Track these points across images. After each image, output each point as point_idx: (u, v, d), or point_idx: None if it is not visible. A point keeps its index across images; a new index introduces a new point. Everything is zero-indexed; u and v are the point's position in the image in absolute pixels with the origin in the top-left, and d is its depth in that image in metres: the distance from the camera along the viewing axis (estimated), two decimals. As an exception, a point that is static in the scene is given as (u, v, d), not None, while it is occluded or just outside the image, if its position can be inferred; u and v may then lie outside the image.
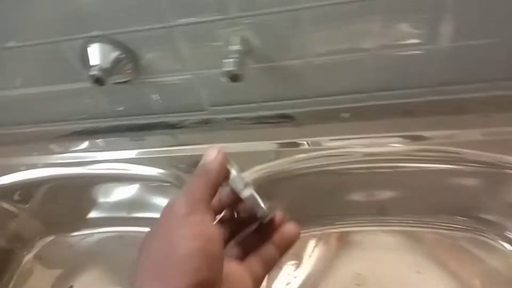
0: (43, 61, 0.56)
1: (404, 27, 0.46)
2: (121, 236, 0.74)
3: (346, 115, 0.57)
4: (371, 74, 0.53)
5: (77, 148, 0.66)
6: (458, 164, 0.52)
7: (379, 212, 0.63)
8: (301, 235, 0.32)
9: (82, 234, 0.76)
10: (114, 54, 0.52)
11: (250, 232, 0.32)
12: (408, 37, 0.47)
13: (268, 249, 0.31)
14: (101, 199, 0.71)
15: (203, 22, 0.48)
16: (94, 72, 0.51)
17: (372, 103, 0.56)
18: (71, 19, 0.50)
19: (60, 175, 0.66)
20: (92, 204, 0.72)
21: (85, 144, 0.67)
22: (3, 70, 0.58)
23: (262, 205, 0.30)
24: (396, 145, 0.54)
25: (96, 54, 0.52)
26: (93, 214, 0.74)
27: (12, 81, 0.60)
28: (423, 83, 0.53)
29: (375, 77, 0.53)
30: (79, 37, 0.52)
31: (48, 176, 0.66)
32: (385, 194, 0.60)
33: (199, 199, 0.27)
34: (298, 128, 0.58)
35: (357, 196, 0.62)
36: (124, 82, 0.56)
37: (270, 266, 0.31)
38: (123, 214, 0.73)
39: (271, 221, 0.31)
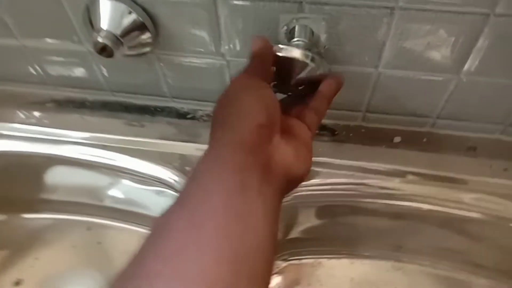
0: (35, 7, 0.42)
1: None
2: (89, 227, 0.62)
3: (398, 139, 0.48)
4: (442, 99, 0.43)
5: (53, 121, 0.53)
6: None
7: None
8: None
9: (40, 218, 0.63)
10: (130, 18, 0.39)
11: (300, 91, 0.37)
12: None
13: (317, 99, 0.36)
14: (71, 183, 0.58)
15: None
16: (100, 39, 0.38)
17: (431, 130, 0.47)
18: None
19: (23, 152, 0.52)
20: (59, 187, 0.59)
21: (64, 118, 0.53)
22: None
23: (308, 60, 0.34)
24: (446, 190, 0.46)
25: (105, 15, 0.39)
26: (56, 197, 0.62)
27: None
28: (497, 118, 0.45)
29: (447, 103, 0.44)
30: (86, -15, 0.38)
31: (6, 150, 0.52)
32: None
33: (257, 73, 0.32)
34: (338, 146, 0.48)
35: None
36: (137, 55, 0.43)
37: (322, 114, 0.35)
38: (93, 202, 0.61)
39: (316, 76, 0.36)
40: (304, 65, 0.35)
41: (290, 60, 0.34)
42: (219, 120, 0.29)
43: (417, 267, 0.56)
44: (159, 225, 0.23)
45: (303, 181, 0.31)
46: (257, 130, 0.27)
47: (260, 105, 0.28)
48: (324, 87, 0.36)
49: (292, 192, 0.46)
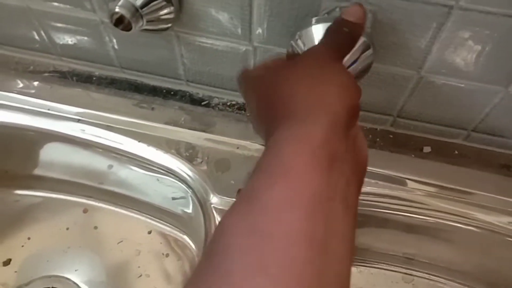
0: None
1: None
2: (85, 209, 0.59)
3: (428, 149, 0.44)
4: (483, 111, 0.40)
5: (54, 94, 0.48)
6: None
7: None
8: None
9: (34, 195, 0.60)
10: (152, -12, 0.35)
11: None
12: None
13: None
14: (68, 162, 0.55)
15: (305, -18, 0.32)
16: (118, 8, 0.34)
17: (464, 142, 0.44)
18: None
19: (20, 125, 0.48)
20: (55, 165, 0.56)
21: (66, 92, 0.48)
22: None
23: None
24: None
25: (126, -19, 0.34)
26: (52, 175, 0.58)
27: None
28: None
29: (488, 117, 0.40)
30: None
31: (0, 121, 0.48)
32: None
33: (342, 54, 0.28)
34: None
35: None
36: (155, 30, 0.39)
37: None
38: (91, 183, 0.57)
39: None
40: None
41: None
42: (304, 89, 0.24)
43: (428, 281, 0.54)
44: (221, 228, 0.19)
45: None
46: (349, 111, 0.23)
47: (351, 87, 0.24)
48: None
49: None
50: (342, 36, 0.28)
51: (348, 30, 0.28)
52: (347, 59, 0.31)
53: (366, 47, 0.32)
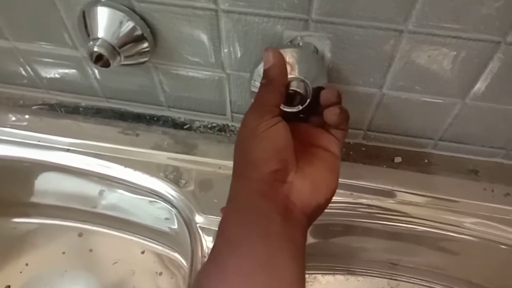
0: (29, 9, 0.40)
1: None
2: (80, 233, 0.61)
3: (399, 159, 0.47)
4: (445, 122, 0.42)
5: (44, 126, 0.51)
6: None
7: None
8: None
9: (30, 222, 0.62)
10: (127, 27, 0.37)
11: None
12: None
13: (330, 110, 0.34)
14: (62, 189, 0.57)
15: (267, 15, 0.35)
16: (96, 48, 0.36)
17: (433, 151, 0.46)
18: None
19: (13, 157, 0.51)
20: (49, 192, 0.58)
21: (56, 123, 0.51)
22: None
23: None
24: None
25: (102, 23, 0.37)
26: (46, 201, 0.60)
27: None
28: (500, 143, 0.44)
29: (451, 126, 0.43)
30: (83, -7, 0.36)
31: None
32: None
33: (267, 109, 0.31)
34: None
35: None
36: (133, 64, 0.41)
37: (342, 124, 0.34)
38: (85, 208, 0.59)
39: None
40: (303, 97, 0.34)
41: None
42: (236, 168, 0.31)
43: (412, 285, 0.56)
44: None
45: (327, 205, 0.32)
46: (270, 176, 0.29)
47: (270, 153, 0.29)
48: (324, 99, 0.34)
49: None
50: (260, 90, 0.33)
51: (264, 80, 0.33)
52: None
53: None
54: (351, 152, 0.47)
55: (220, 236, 0.28)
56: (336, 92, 0.34)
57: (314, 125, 0.36)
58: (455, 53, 0.35)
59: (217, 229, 0.29)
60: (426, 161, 0.46)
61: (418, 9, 0.32)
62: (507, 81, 0.36)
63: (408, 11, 0.32)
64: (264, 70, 0.33)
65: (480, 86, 0.37)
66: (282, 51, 0.33)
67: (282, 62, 0.33)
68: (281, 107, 0.33)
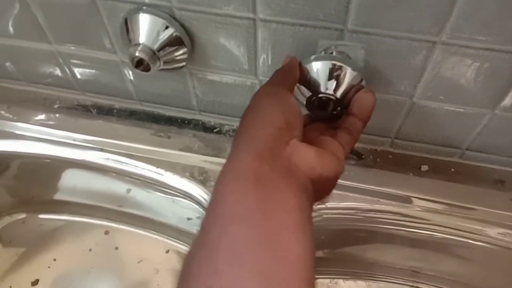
0: (73, 14, 0.42)
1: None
2: (106, 231, 0.63)
3: (425, 167, 0.47)
4: (474, 132, 0.43)
5: (77, 126, 0.53)
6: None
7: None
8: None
9: (57, 219, 0.64)
10: (167, 33, 0.39)
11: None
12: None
13: (350, 120, 0.34)
14: (90, 187, 0.59)
15: (304, 24, 0.36)
16: (138, 53, 0.38)
17: (459, 160, 0.47)
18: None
19: (46, 155, 0.53)
20: (77, 190, 0.60)
21: (89, 124, 0.53)
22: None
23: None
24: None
25: (144, 29, 0.39)
26: (74, 199, 0.62)
27: (31, 33, 0.45)
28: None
29: (479, 136, 0.43)
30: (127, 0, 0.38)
31: (28, 152, 0.53)
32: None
33: (281, 83, 0.32)
34: (365, 171, 0.48)
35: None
36: (170, 69, 0.43)
37: (357, 133, 0.34)
38: (111, 206, 0.61)
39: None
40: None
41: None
42: (241, 129, 0.29)
43: (434, 293, 0.56)
44: (182, 274, 0.22)
45: (334, 183, 0.29)
46: (274, 134, 0.27)
47: (278, 109, 0.28)
48: (355, 108, 0.34)
49: (318, 214, 0.46)
50: (278, 72, 0.34)
51: (284, 68, 0.34)
52: (341, 92, 0.35)
53: (359, 80, 0.36)
54: (378, 159, 0.48)
55: (211, 209, 0.24)
56: (371, 101, 0.34)
57: (325, 128, 0.35)
58: (487, 64, 0.35)
59: None
60: (452, 170, 0.47)
61: (452, 21, 0.33)
62: (538, 93, 0.37)
63: (442, 23, 0.33)
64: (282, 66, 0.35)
65: (510, 97, 0.38)
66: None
67: (297, 61, 0.35)
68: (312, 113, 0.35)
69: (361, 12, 0.33)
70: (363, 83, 0.36)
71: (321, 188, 0.28)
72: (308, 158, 0.27)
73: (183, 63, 0.42)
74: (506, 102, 0.38)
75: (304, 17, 0.35)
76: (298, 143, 0.27)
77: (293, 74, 0.34)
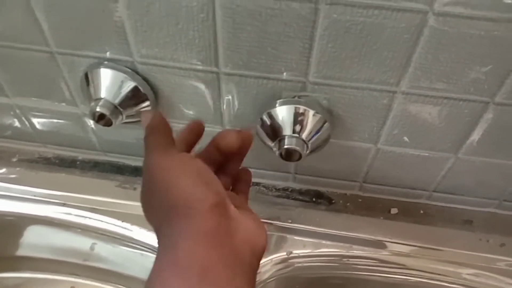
0: (32, 68, 0.41)
1: None
2: (72, 286, 0.59)
3: (395, 210, 0.47)
4: (439, 174, 0.43)
5: (39, 180, 0.50)
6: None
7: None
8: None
9: (20, 277, 0.60)
10: (129, 87, 0.39)
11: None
12: None
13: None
14: (53, 243, 0.55)
15: (266, 77, 0.36)
16: (99, 108, 0.37)
17: (428, 202, 0.47)
18: (85, 30, 0.35)
19: (5, 212, 0.50)
20: (39, 246, 0.56)
21: (51, 177, 0.51)
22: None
23: None
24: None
25: (105, 83, 0.38)
26: (37, 255, 0.58)
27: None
28: (492, 194, 0.45)
29: (444, 179, 0.44)
30: (88, 54, 0.38)
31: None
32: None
33: (167, 146, 0.28)
34: (335, 216, 0.47)
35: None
36: (134, 122, 0.42)
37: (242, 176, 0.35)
38: (76, 261, 0.58)
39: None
40: None
41: None
42: (155, 219, 0.25)
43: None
44: None
45: (263, 251, 0.27)
46: (211, 212, 0.23)
47: (202, 184, 0.24)
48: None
49: (290, 264, 0.45)
50: (148, 138, 0.30)
51: (147, 131, 0.31)
52: (306, 134, 0.35)
53: (322, 123, 0.36)
54: (348, 204, 0.48)
55: None
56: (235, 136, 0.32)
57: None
58: (447, 111, 0.36)
59: None
60: (422, 212, 0.47)
61: (410, 72, 0.33)
62: (497, 138, 0.38)
63: (401, 75, 0.34)
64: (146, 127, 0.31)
65: (471, 141, 0.39)
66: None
67: (159, 114, 0.32)
68: None
69: (321, 65, 0.34)
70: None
71: (259, 261, 0.26)
72: (250, 232, 0.25)
73: (147, 116, 0.41)
74: (467, 145, 0.39)
75: (266, 71, 0.35)
76: (236, 212, 0.25)
77: (163, 127, 0.31)
